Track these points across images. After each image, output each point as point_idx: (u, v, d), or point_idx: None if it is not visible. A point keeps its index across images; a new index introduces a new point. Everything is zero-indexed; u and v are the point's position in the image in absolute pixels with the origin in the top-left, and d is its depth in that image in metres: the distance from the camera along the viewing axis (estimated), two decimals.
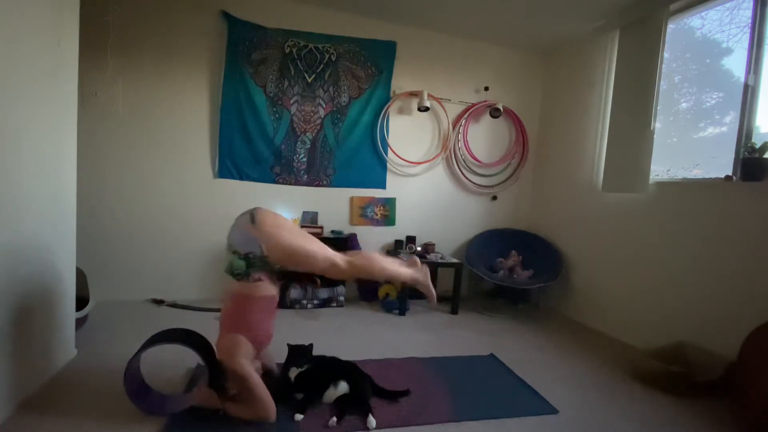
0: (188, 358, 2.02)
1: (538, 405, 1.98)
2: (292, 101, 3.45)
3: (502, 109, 3.87)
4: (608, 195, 3.24)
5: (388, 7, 3.38)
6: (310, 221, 3.54)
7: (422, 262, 2.12)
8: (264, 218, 1.77)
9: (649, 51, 2.84)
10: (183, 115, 3.25)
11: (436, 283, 3.86)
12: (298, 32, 3.40)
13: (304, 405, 1.77)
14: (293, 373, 1.83)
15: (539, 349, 2.75)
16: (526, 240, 3.95)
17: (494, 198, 4.12)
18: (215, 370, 1.71)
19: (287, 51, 3.39)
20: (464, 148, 3.93)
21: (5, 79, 1.54)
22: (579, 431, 1.81)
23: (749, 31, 2.46)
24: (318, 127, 3.54)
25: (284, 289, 3.25)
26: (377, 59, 3.62)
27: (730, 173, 2.48)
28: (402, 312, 3.31)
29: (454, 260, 3.56)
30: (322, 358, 1.99)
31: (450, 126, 3.87)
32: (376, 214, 3.78)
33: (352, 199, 3.71)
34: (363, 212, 3.75)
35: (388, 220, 3.81)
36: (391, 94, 3.69)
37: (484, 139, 4.03)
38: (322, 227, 3.44)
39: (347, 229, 3.67)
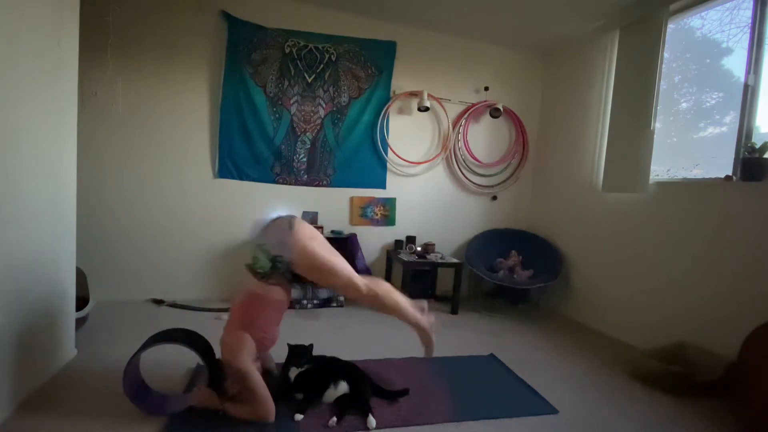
0: (188, 358, 2.02)
1: (538, 405, 1.98)
2: (292, 101, 3.45)
3: (502, 109, 3.87)
4: (608, 195, 3.24)
5: (388, 7, 3.38)
6: (310, 221, 3.54)
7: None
8: (301, 227, 1.82)
9: (649, 51, 2.84)
10: (183, 115, 3.25)
11: (436, 283, 3.88)
12: (298, 32, 3.40)
13: (304, 405, 1.78)
14: (293, 373, 1.83)
15: (539, 349, 2.75)
16: (526, 240, 3.94)
17: (494, 198, 4.12)
18: (215, 370, 1.72)
19: (287, 51, 3.39)
20: (464, 148, 3.93)
21: (5, 79, 1.54)
22: (579, 431, 1.81)
23: (749, 31, 2.46)
24: (318, 127, 3.54)
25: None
26: (377, 59, 3.62)
27: (730, 173, 2.48)
28: None
29: (454, 260, 3.56)
30: (322, 358, 1.99)
31: (450, 126, 3.87)
32: (376, 214, 3.78)
33: (352, 199, 3.71)
34: (363, 212, 3.75)
35: (388, 220, 3.81)
36: (391, 94, 3.69)
37: (484, 139, 4.03)
38: (322, 227, 3.44)
39: (347, 229, 3.67)
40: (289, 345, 1.90)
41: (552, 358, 2.61)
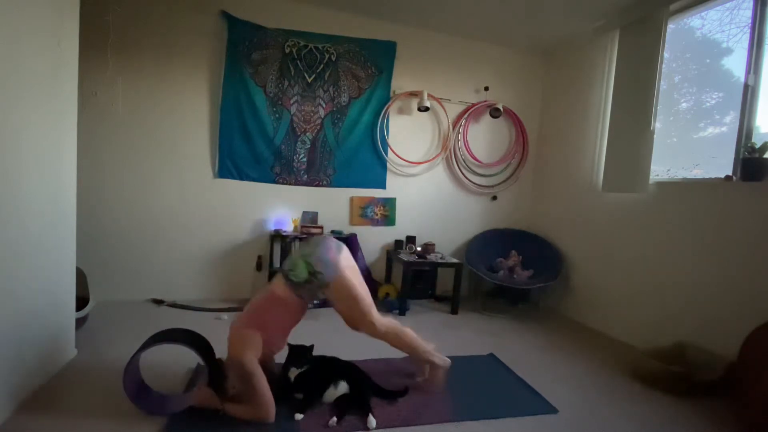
0: (188, 358, 2.02)
1: (538, 405, 1.98)
2: (292, 101, 3.45)
3: (502, 109, 3.87)
4: (608, 195, 3.24)
5: (388, 7, 3.38)
6: (310, 221, 3.54)
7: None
8: (346, 256, 1.92)
9: (649, 51, 2.84)
10: (183, 115, 3.25)
11: (436, 283, 3.88)
12: (298, 32, 3.41)
13: (304, 405, 1.78)
14: (293, 373, 1.83)
15: (539, 349, 2.75)
16: (526, 240, 3.95)
17: (494, 198, 4.12)
18: (215, 370, 1.72)
19: (287, 51, 3.39)
20: (464, 148, 3.93)
21: (5, 79, 1.54)
22: (579, 431, 1.81)
23: (749, 31, 2.46)
24: (318, 127, 3.54)
25: None
26: (377, 59, 3.62)
27: (730, 173, 2.48)
28: (402, 312, 3.31)
29: (454, 260, 3.56)
30: (322, 358, 1.99)
31: (450, 126, 3.87)
32: (376, 214, 3.78)
33: (352, 199, 3.71)
34: (363, 212, 3.75)
35: (388, 220, 3.81)
36: (391, 94, 3.69)
37: (484, 139, 4.03)
38: (322, 227, 3.44)
39: (347, 229, 3.68)
40: (289, 345, 1.91)
41: (552, 358, 2.61)
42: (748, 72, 2.43)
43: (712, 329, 2.44)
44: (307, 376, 1.84)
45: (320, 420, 1.71)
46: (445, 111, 3.84)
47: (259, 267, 3.50)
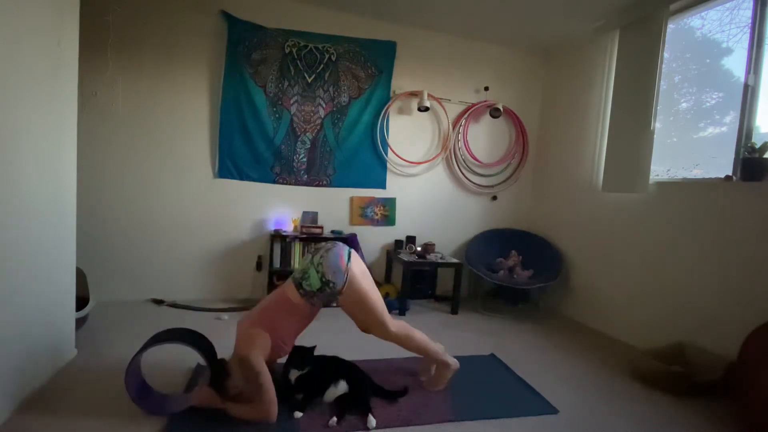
0: (189, 357, 2.03)
1: (538, 405, 1.98)
2: (292, 101, 3.45)
3: (502, 109, 3.87)
4: (608, 195, 3.24)
5: (388, 7, 3.38)
6: (310, 221, 3.54)
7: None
8: (357, 262, 1.93)
9: (649, 51, 2.84)
10: (183, 115, 3.25)
11: (436, 283, 3.88)
12: (298, 32, 3.40)
13: (304, 403, 1.78)
14: (293, 375, 1.82)
15: (539, 349, 2.75)
16: (526, 240, 3.95)
17: (494, 198, 4.12)
18: (216, 370, 1.72)
19: (287, 51, 3.39)
20: (464, 148, 3.93)
21: (5, 79, 1.54)
22: (579, 431, 1.81)
23: (749, 31, 2.46)
24: (318, 127, 3.54)
25: None
26: (377, 59, 3.62)
27: (730, 173, 2.48)
28: (402, 312, 3.31)
29: (454, 260, 3.56)
30: (322, 358, 1.99)
31: (450, 126, 3.87)
32: (376, 214, 3.78)
33: (352, 199, 3.71)
34: (363, 212, 3.75)
35: (388, 220, 3.81)
36: (391, 94, 3.69)
37: (484, 139, 4.03)
38: (322, 227, 3.44)
39: (347, 229, 3.68)
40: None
41: (552, 358, 2.61)
42: (748, 72, 2.43)
43: (712, 329, 2.44)
44: (308, 377, 1.84)
45: (320, 420, 1.71)
46: (445, 111, 3.84)
47: (259, 267, 3.50)
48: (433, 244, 3.66)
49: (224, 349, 1.90)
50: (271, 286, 3.30)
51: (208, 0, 3.19)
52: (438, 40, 3.78)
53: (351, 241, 3.53)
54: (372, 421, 1.70)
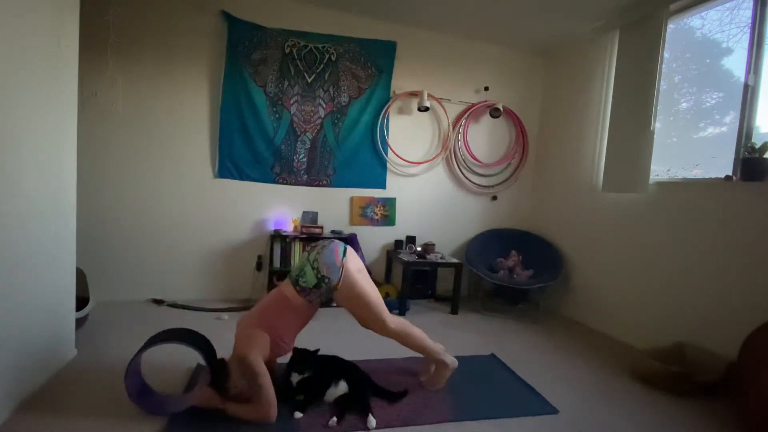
0: (189, 358, 2.03)
1: (538, 405, 1.98)
2: (292, 101, 3.45)
3: (502, 109, 3.87)
4: (608, 195, 3.24)
5: (388, 7, 3.38)
6: (310, 221, 3.54)
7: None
8: (353, 258, 1.94)
9: (649, 51, 2.84)
10: (183, 115, 3.24)
11: (436, 283, 3.88)
12: (298, 32, 3.40)
13: (304, 404, 1.77)
14: (295, 378, 1.82)
15: (539, 349, 2.75)
16: (526, 240, 3.94)
17: (494, 198, 4.12)
18: (216, 370, 1.72)
19: (287, 51, 3.39)
20: (464, 148, 3.93)
21: (5, 79, 1.54)
22: (579, 431, 1.81)
23: (749, 31, 2.46)
24: (318, 127, 3.54)
25: None
26: (377, 59, 3.62)
27: (730, 173, 2.48)
28: (402, 312, 3.31)
29: (454, 260, 3.56)
30: (323, 358, 1.98)
31: (450, 126, 3.87)
32: (376, 214, 3.78)
33: (352, 199, 3.71)
34: (363, 212, 3.75)
35: (388, 220, 3.81)
36: (391, 94, 3.69)
37: (484, 139, 4.03)
38: (322, 227, 3.43)
39: (347, 229, 3.68)
40: (294, 349, 1.90)
41: (552, 358, 2.61)
42: (748, 72, 2.43)
43: (712, 329, 2.44)
44: (309, 380, 1.83)
45: (320, 420, 1.71)
46: (445, 111, 3.84)
47: (259, 267, 3.50)
48: (433, 244, 3.66)
49: (224, 349, 1.90)
50: (271, 286, 3.30)
51: (208, 0, 3.19)
52: (438, 40, 3.78)
53: (351, 241, 3.53)
54: (372, 421, 1.70)
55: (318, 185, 3.60)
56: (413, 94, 3.73)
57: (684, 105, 3.08)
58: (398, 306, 3.33)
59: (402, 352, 2.47)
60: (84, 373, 2.01)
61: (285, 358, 1.90)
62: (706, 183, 2.62)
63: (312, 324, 2.02)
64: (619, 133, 3.09)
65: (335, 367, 1.96)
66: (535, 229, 4.07)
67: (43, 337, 1.88)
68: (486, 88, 3.94)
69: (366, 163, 3.69)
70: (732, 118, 2.60)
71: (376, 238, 3.80)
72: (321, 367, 1.90)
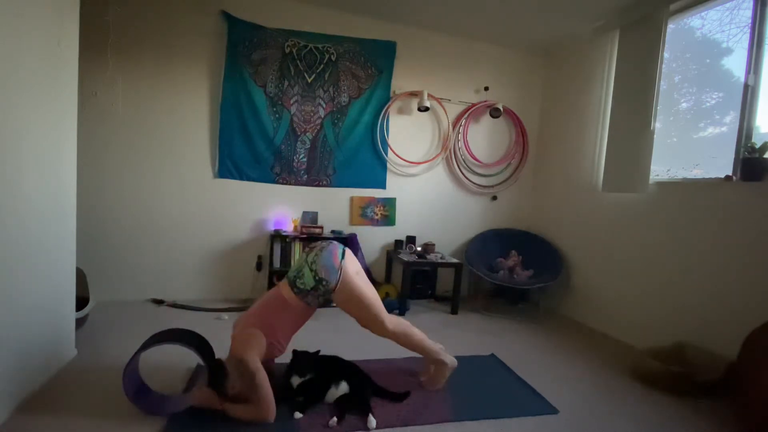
0: (188, 358, 2.02)
1: (538, 405, 1.98)
2: (292, 101, 3.45)
3: (502, 109, 3.87)
4: (608, 195, 3.24)
5: (388, 7, 3.38)
6: (310, 221, 3.54)
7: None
8: (351, 260, 1.95)
9: (649, 51, 2.84)
10: (183, 115, 3.24)
11: (436, 283, 3.88)
12: (298, 32, 3.40)
13: (304, 404, 1.77)
14: (295, 381, 1.81)
15: (539, 349, 2.75)
16: (526, 240, 3.94)
17: (494, 198, 4.12)
18: (215, 371, 1.72)
19: (287, 51, 3.39)
20: (464, 148, 3.93)
21: (5, 79, 1.54)
22: (579, 431, 1.81)
23: (749, 31, 2.46)
24: (318, 127, 3.54)
25: None
26: (377, 59, 3.62)
27: (730, 173, 2.48)
28: (402, 312, 3.31)
29: (454, 260, 3.56)
30: (323, 358, 1.98)
31: (450, 126, 3.87)
32: (376, 214, 3.78)
33: (352, 199, 3.71)
34: (363, 212, 3.75)
35: (388, 220, 3.81)
36: (391, 94, 3.69)
37: (484, 139, 4.03)
38: (322, 227, 3.43)
39: (347, 229, 3.68)
40: (294, 351, 1.89)
41: (552, 358, 2.61)
42: (748, 72, 2.43)
43: (712, 329, 2.44)
44: (310, 382, 1.83)
45: (320, 420, 1.71)
46: (445, 111, 3.84)
47: (259, 267, 3.50)
48: (433, 244, 3.66)
49: (225, 350, 1.90)
50: (271, 286, 3.30)
51: (208, 0, 3.19)
52: (438, 40, 3.78)
53: (351, 241, 3.53)
54: (372, 421, 1.70)
55: (318, 185, 3.60)
56: (413, 94, 3.73)
57: (684, 105, 3.08)
58: (398, 306, 3.33)
59: (402, 352, 2.47)
60: (84, 373, 2.01)
61: (285, 359, 1.90)
62: (706, 183, 2.62)
63: (312, 324, 2.03)
64: (619, 133, 3.09)
65: (336, 367, 1.96)
66: (535, 229, 4.07)
67: (43, 337, 1.88)
68: (486, 88, 3.94)
69: (366, 163, 3.69)
70: (732, 118, 2.60)
71: (376, 238, 3.80)
72: (321, 369, 1.90)
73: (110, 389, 1.83)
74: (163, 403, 1.76)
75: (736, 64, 2.63)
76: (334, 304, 1.94)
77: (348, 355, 2.12)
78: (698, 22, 2.94)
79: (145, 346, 1.67)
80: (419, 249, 3.61)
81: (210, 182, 3.36)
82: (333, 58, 3.51)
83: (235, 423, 1.64)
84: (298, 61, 3.43)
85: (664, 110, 3.03)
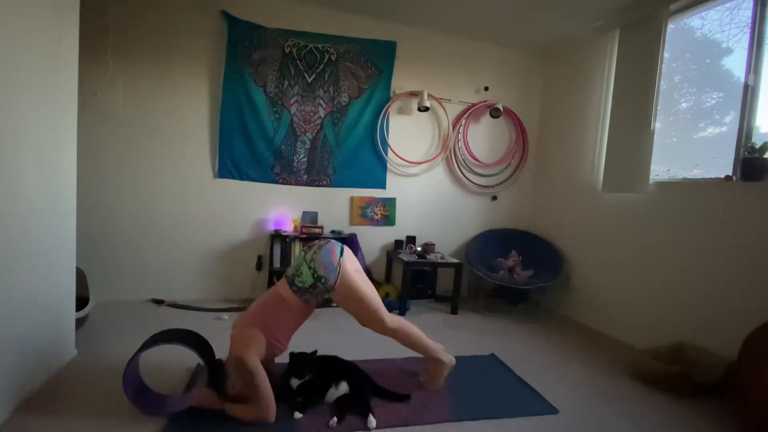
0: (188, 358, 2.02)
1: (538, 405, 1.98)
2: (292, 101, 3.45)
3: (502, 109, 3.87)
4: (608, 195, 3.24)
5: (388, 7, 3.38)
6: (310, 221, 3.54)
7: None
8: (349, 258, 1.95)
9: (649, 51, 2.84)
10: (183, 115, 3.25)
11: (436, 283, 3.88)
12: (298, 32, 3.40)
13: (304, 404, 1.77)
14: (294, 382, 1.81)
15: (539, 349, 2.75)
16: (526, 240, 3.95)
17: (494, 198, 4.12)
18: (215, 371, 1.72)
19: (287, 51, 3.39)
20: (464, 148, 3.93)
21: (5, 79, 1.54)
22: (579, 431, 1.81)
23: (749, 31, 2.46)
24: (318, 127, 3.54)
25: None
26: (377, 59, 3.62)
27: (730, 173, 2.48)
28: (402, 312, 3.31)
29: (454, 260, 3.56)
30: (323, 358, 1.98)
31: (450, 126, 3.87)
32: (376, 214, 3.78)
33: (352, 199, 3.71)
34: (363, 212, 3.75)
35: (388, 220, 3.81)
36: (391, 94, 3.69)
37: (484, 139, 4.03)
38: (322, 227, 3.43)
39: (347, 229, 3.68)
40: (291, 354, 1.88)
41: (552, 358, 2.61)
42: (748, 72, 2.43)
43: (712, 329, 2.44)
44: (310, 383, 1.83)
45: (320, 420, 1.71)
46: (445, 111, 3.84)
47: (259, 267, 3.50)
48: (433, 244, 3.66)
49: (224, 350, 1.90)
50: (271, 286, 3.30)
51: (208, 0, 3.19)
52: (438, 40, 3.78)
53: (351, 241, 3.53)
54: (372, 421, 1.70)
55: (318, 185, 3.60)
56: (413, 94, 3.73)
57: (684, 105, 3.08)
58: (398, 306, 3.33)
59: (402, 352, 2.47)
60: (84, 373, 2.01)
61: (284, 359, 1.90)
62: (706, 183, 2.62)
63: (311, 323, 2.02)
64: (619, 133, 3.09)
65: (335, 367, 1.96)
66: (535, 229, 4.07)
67: (43, 337, 1.88)
68: (486, 88, 3.94)
69: (366, 163, 3.69)
70: (732, 118, 2.60)
71: (376, 238, 3.80)
72: (321, 369, 1.89)
73: (110, 389, 1.83)
74: (163, 403, 1.76)
75: (736, 64, 2.63)
76: (334, 303, 1.93)
77: (348, 355, 2.12)
78: (698, 22, 2.94)
79: (145, 346, 1.67)
80: (419, 249, 3.61)
81: (210, 182, 3.36)
82: (333, 58, 3.51)
83: (235, 423, 1.64)
84: (298, 61, 3.43)
85: (664, 110, 3.03)
